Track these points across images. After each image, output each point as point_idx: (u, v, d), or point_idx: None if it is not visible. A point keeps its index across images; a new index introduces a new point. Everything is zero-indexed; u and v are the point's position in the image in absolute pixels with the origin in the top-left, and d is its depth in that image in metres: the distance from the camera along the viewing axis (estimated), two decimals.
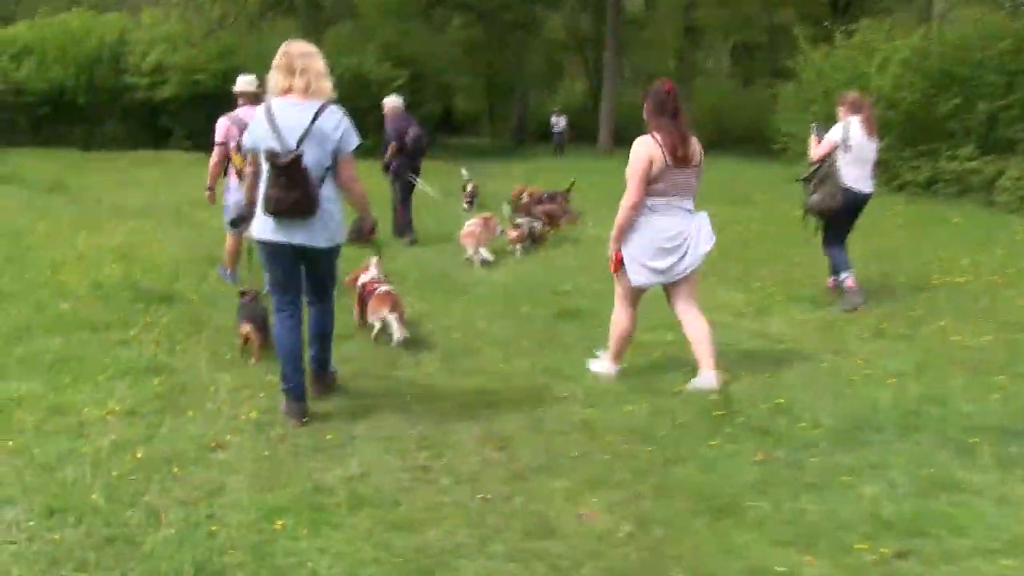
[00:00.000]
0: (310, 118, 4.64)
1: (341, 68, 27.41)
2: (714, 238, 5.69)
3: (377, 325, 6.65)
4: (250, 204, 4.98)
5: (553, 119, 34.48)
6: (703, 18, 36.72)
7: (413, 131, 11.67)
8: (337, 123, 4.75)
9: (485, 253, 10.45)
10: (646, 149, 5.38)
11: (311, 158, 4.63)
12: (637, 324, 6.01)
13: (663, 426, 5.13)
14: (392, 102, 11.69)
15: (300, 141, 4.60)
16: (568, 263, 10.63)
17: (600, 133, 33.96)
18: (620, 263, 5.69)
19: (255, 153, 4.83)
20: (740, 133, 35.42)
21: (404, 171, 11.86)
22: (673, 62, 40.60)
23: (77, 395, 5.28)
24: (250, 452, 4.57)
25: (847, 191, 8.08)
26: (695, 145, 5.55)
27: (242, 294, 6.33)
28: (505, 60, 44.30)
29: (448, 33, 39.18)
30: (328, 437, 4.81)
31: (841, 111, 8.42)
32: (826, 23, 25.72)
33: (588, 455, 4.72)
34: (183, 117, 26.96)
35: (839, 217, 8.26)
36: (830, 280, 8.78)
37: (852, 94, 8.79)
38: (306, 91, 4.69)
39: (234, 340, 6.28)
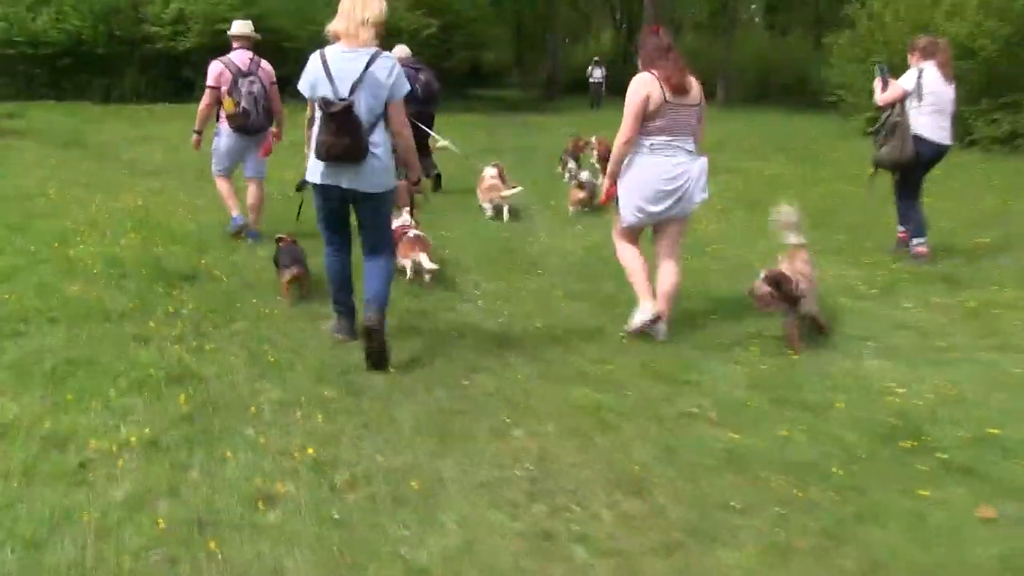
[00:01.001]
0: (363, 66, 4.72)
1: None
2: (708, 191, 5.56)
3: (408, 267, 6.70)
4: (309, 158, 5.05)
5: (591, 69, 32.82)
6: None
7: (424, 76, 10.89)
8: (389, 71, 4.79)
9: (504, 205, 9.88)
10: (643, 83, 5.29)
11: (363, 105, 4.74)
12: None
13: (835, 460, 3.96)
14: (400, 51, 10.88)
15: (353, 89, 4.70)
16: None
17: None
18: (610, 198, 5.66)
19: (311, 100, 4.85)
20: (782, 85, 33.81)
21: (413, 120, 10.97)
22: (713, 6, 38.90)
23: (81, 417, 4.10)
24: (312, 511, 3.38)
25: (921, 141, 7.55)
26: (693, 83, 5.42)
27: (279, 240, 6.38)
28: (534, 10, 42.71)
29: None
30: (412, 484, 3.63)
31: (912, 57, 7.82)
32: None
33: (752, 507, 3.54)
34: (206, 68, 25.49)
35: (911, 170, 7.74)
36: (901, 230, 8.16)
37: (924, 38, 8.02)
38: (348, 36, 4.77)
39: (277, 299, 6.12)
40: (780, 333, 5.58)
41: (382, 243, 5.13)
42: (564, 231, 9.40)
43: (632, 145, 5.41)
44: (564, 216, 10.27)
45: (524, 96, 42.71)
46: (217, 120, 7.91)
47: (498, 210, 9.86)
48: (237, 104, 7.58)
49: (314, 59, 4.83)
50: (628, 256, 5.76)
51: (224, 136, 7.82)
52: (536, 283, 7.13)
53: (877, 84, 7.96)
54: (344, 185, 4.86)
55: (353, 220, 5.20)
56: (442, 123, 12.01)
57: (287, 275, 6.09)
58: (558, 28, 43.00)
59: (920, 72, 7.67)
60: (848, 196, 11.54)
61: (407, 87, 4.89)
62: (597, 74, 32.55)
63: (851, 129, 21.39)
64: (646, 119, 5.31)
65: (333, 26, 4.81)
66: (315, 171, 4.90)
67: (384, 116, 4.86)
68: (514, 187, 9.99)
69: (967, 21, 17.74)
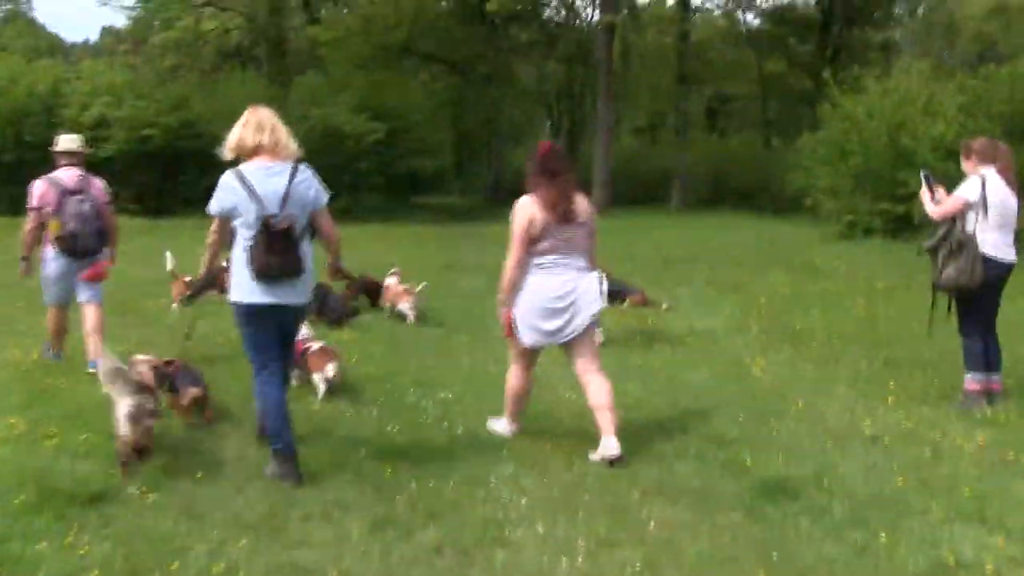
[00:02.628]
0: (286, 181, 4.77)
1: (312, 120, 24.57)
2: (602, 300, 5.61)
3: (321, 380, 6.51)
4: (210, 273, 5.23)
5: None
6: (696, 67, 34.34)
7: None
8: (310, 181, 4.92)
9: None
10: (524, 208, 5.38)
11: (295, 219, 4.78)
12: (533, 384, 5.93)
13: None
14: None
15: (282, 204, 4.72)
16: (696, 378, 7.63)
17: (594, 191, 31.09)
18: (509, 324, 5.60)
19: (223, 220, 4.84)
20: (736, 189, 32.84)
21: None
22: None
23: None
24: None
25: (988, 261, 6.43)
26: (581, 202, 5.51)
27: (168, 364, 5.88)
28: (477, 114, 41.70)
29: (422, 86, 36.40)
30: None
31: (968, 163, 6.73)
32: (827, 72, 23.26)
33: None
34: (130, 177, 23.50)
35: (981, 295, 6.55)
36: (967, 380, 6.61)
37: (980, 140, 6.91)
38: (275, 150, 4.80)
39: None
40: None
41: (291, 355, 5.38)
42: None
43: (521, 269, 5.43)
44: None
45: (468, 202, 41.36)
46: (41, 243, 7.16)
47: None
48: (63, 226, 6.90)
49: (231, 178, 4.76)
50: (515, 381, 5.80)
51: (51, 261, 7.11)
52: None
53: (924, 194, 6.81)
54: (283, 301, 4.83)
55: None
56: (393, 236, 10.48)
57: (188, 396, 5.69)
58: (503, 131, 41.97)
59: (983, 180, 6.44)
60: (869, 315, 10.12)
61: (327, 195, 5.00)
62: None
63: (829, 234, 20.25)
64: (532, 242, 5.35)
65: (248, 140, 4.81)
66: (251, 292, 4.78)
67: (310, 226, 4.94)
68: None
69: (949, 121, 16.76)
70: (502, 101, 40.48)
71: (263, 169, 4.76)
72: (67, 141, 7.36)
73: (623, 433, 5.51)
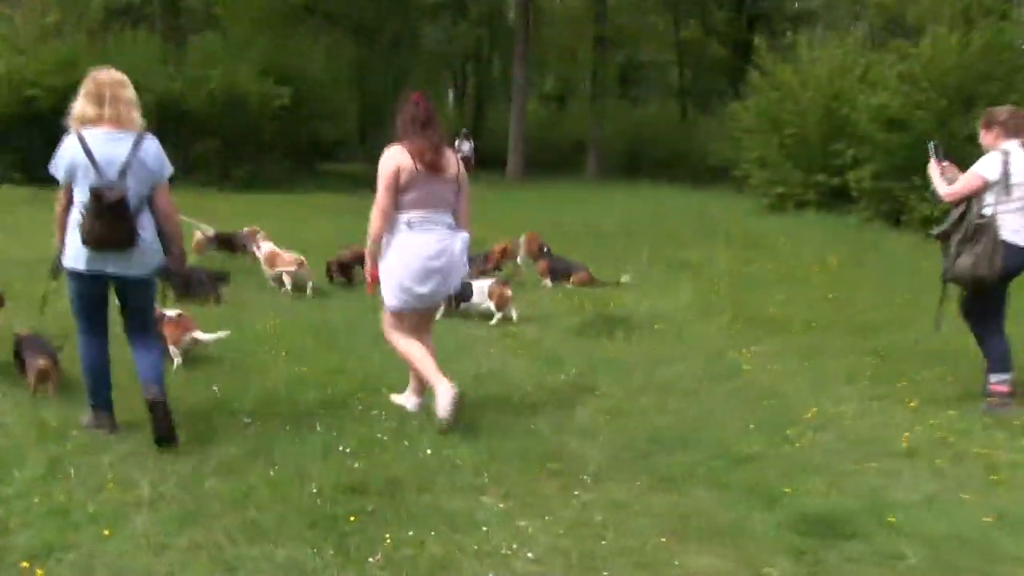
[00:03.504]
0: (128, 149, 4.64)
1: (212, 82, 22.94)
2: (467, 265, 5.60)
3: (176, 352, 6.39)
4: (62, 244, 4.82)
5: (458, 143, 29.55)
6: (612, 30, 33.45)
7: None
8: (156, 153, 4.77)
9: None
10: (393, 156, 5.23)
11: (132, 190, 4.65)
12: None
13: None
14: None
15: (121, 173, 4.61)
16: (678, 373, 6.74)
17: (509, 158, 30.16)
18: (375, 281, 5.43)
19: (68, 184, 4.71)
20: (654, 158, 32.26)
21: None
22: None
23: None
24: None
25: (1009, 248, 5.63)
26: (451, 156, 5.41)
27: (21, 336, 5.85)
28: (382, 79, 40.11)
29: (326, 50, 34.66)
30: None
31: (988, 135, 5.92)
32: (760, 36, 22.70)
33: None
34: (11, 141, 21.44)
35: (995, 286, 5.78)
36: (994, 381, 5.80)
37: (1005, 110, 5.96)
38: (118, 121, 4.65)
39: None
40: None
41: (149, 324, 5.13)
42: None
43: (387, 216, 5.25)
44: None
45: (374, 169, 39.85)
46: None
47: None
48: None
49: (72, 142, 4.67)
50: (405, 343, 5.48)
51: None
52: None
53: (934, 168, 6.01)
54: (110, 271, 4.73)
55: None
56: (302, 206, 9.70)
57: (35, 367, 5.51)
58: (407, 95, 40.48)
59: (1007, 156, 5.67)
60: (845, 298, 9.48)
61: (171, 168, 4.88)
62: (465, 148, 29.37)
63: (759, 207, 19.75)
64: (400, 192, 5.20)
65: (89, 111, 4.65)
66: (77, 257, 4.69)
67: (148, 200, 4.79)
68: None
69: (893, 92, 16.27)
70: (409, 66, 39.07)
71: (105, 135, 4.64)
72: None
73: (614, 441, 5.07)
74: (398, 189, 5.18)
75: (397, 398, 5.70)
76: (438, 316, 8.01)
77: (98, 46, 25.46)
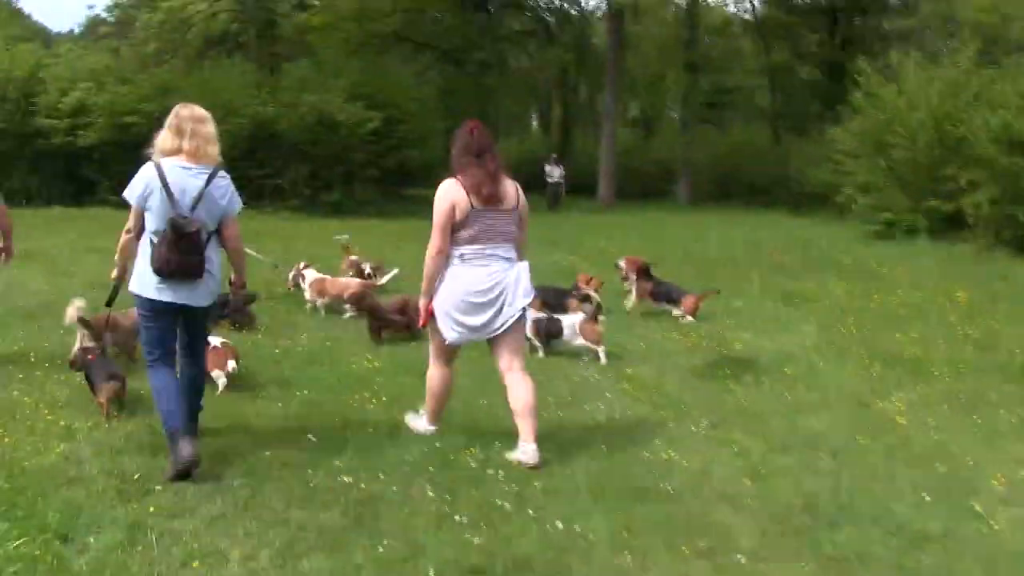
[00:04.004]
0: (203, 183, 4.74)
1: (305, 107, 22.91)
2: (533, 292, 5.29)
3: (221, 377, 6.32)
4: (124, 269, 4.98)
5: (548, 168, 28.94)
6: (701, 55, 32.69)
7: None
8: (226, 189, 4.90)
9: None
10: (448, 192, 5.00)
11: (202, 222, 4.74)
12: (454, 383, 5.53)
13: None
14: None
15: (194, 206, 4.71)
16: (821, 426, 6.02)
17: (600, 184, 29.55)
18: (431, 316, 5.25)
19: (139, 210, 4.76)
20: (747, 183, 31.28)
21: None
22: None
23: None
24: None
25: None
26: (509, 187, 5.13)
27: (84, 351, 5.93)
28: (470, 104, 39.98)
29: (415, 75, 34.63)
30: None
31: None
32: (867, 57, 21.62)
33: None
34: (111, 166, 21.59)
35: None
36: None
37: None
38: (196, 155, 4.77)
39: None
40: None
41: (202, 350, 5.25)
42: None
43: (443, 257, 5.11)
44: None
45: None
46: None
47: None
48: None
49: (150, 170, 4.73)
50: (435, 378, 5.44)
51: None
52: None
53: None
54: (181, 302, 4.78)
55: None
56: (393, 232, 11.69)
57: (107, 391, 5.54)
58: (496, 122, 40.21)
59: None
60: (993, 336, 8.57)
61: (240, 204, 5.00)
62: (556, 174, 28.57)
63: (863, 233, 18.70)
64: (455, 229, 5.02)
65: (168, 144, 4.77)
66: (148, 285, 4.74)
67: (217, 231, 4.89)
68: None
69: (1016, 111, 15.22)
70: (496, 91, 38.88)
71: (180, 168, 4.73)
72: None
73: (764, 510, 4.44)
74: (454, 227, 5.00)
75: (412, 418, 5.63)
76: (539, 354, 7.59)
77: (195, 74, 25.78)
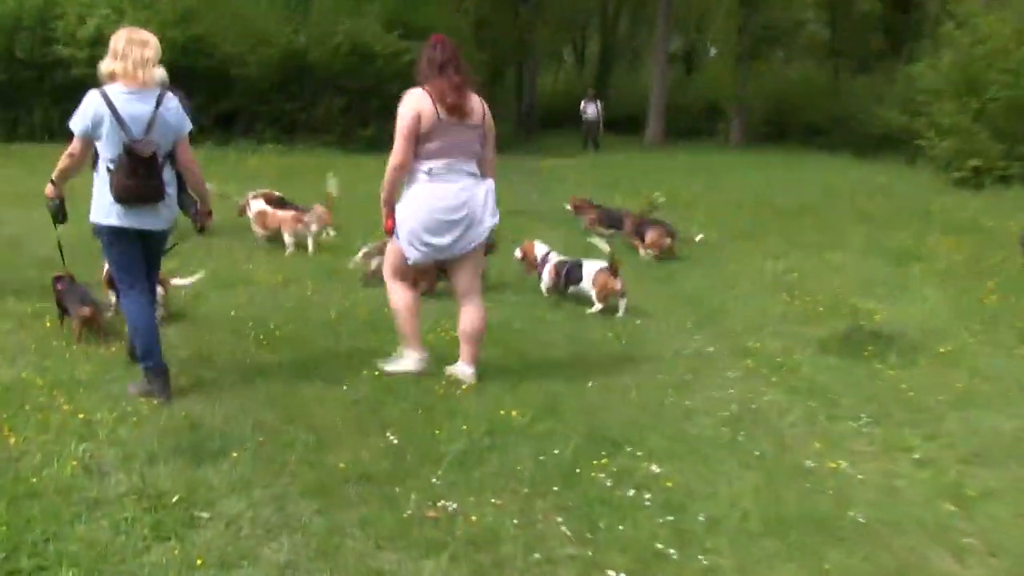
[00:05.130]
0: (152, 107, 4.65)
1: (339, 36, 21.62)
2: (497, 214, 5.07)
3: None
4: (60, 191, 4.91)
5: (583, 104, 27.10)
6: None
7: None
8: (176, 110, 4.79)
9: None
10: (413, 101, 4.82)
11: (159, 147, 4.66)
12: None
13: None
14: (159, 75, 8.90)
15: (147, 130, 4.61)
16: (1012, 427, 4.85)
17: (649, 123, 28.10)
18: (391, 231, 5.07)
19: (86, 139, 4.61)
20: (806, 123, 29.61)
21: None
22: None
23: None
24: None
25: None
26: (476, 102, 4.97)
27: (57, 279, 5.80)
28: (508, 36, 38.37)
29: (457, 5, 32.98)
30: None
31: None
32: None
33: None
34: None
35: None
36: None
37: None
38: (138, 78, 4.62)
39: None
40: None
41: (156, 277, 5.13)
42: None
43: (406, 170, 4.88)
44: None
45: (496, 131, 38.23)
46: None
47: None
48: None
49: (96, 98, 4.58)
50: (399, 296, 5.19)
51: None
52: None
53: None
54: (142, 226, 4.72)
55: None
56: None
57: (80, 316, 5.49)
58: (537, 56, 38.63)
59: None
60: None
61: (191, 124, 4.92)
62: (591, 111, 26.64)
63: (946, 180, 17.21)
64: (420, 142, 4.81)
65: (108, 66, 4.63)
66: (111, 213, 4.65)
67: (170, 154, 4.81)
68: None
69: None
70: (535, 22, 37.25)
71: (127, 93, 4.61)
72: None
73: (997, 558, 3.46)
74: (418, 138, 4.79)
75: (389, 366, 5.23)
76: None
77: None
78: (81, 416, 4.26)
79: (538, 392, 4.99)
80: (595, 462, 4.06)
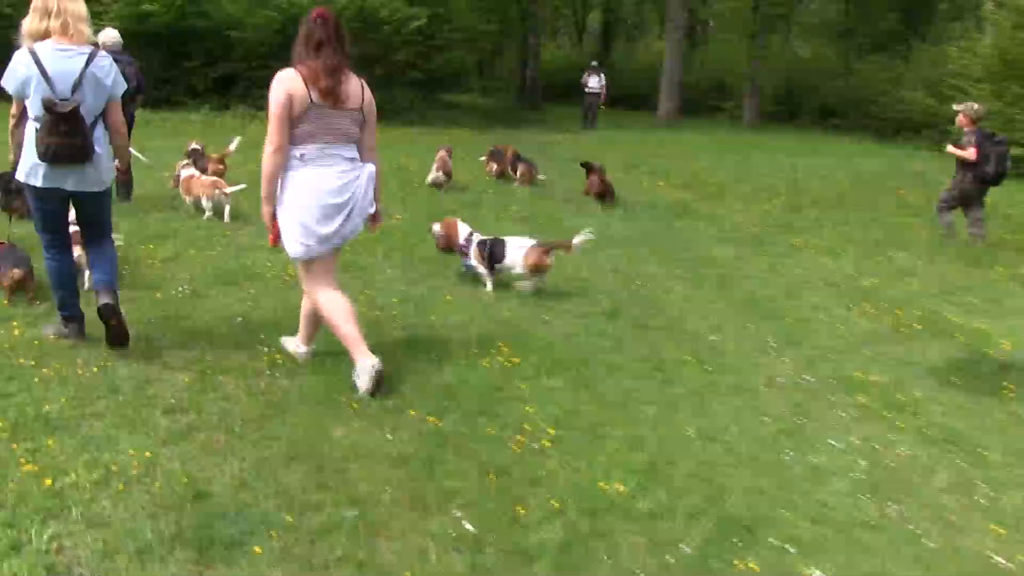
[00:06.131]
0: (82, 65, 4.56)
1: (343, 1, 20.43)
2: (375, 204, 4.73)
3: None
4: (18, 159, 4.74)
5: (585, 76, 25.34)
6: None
7: (131, 69, 8.87)
8: (108, 68, 4.71)
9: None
10: (284, 82, 4.39)
11: (86, 105, 4.59)
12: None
13: None
14: (108, 36, 8.96)
15: (74, 88, 4.53)
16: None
17: (662, 99, 26.93)
18: (278, 233, 4.59)
19: (20, 99, 4.60)
20: (819, 104, 28.53)
21: None
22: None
23: None
24: None
25: None
26: (354, 84, 4.56)
27: None
28: (509, 5, 37.06)
29: None
30: None
31: None
32: None
33: None
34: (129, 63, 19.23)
35: None
36: None
37: None
38: (67, 34, 4.56)
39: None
40: None
41: (106, 233, 4.99)
42: None
43: (283, 153, 4.46)
44: None
45: (496, 103, 37.07)
46: None
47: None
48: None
49: (24, 56, 4.52)
50: (329, 301, 4.60)
51: None
52: None
53: None
54: (69, 187, 4.66)
55: None
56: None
57: (9, 278, 5.51)
58: (539, 26, 37.29)
59: None
60: None
61: (124, 85, 4.87)
62: (592, 82, 24.88)
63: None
64: (292, 125, 4.41)
65: (35, 25, 4.55)
66: (35, 173, 4.61)
67: (102, 114, 4.74)
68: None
69: None
70: None
71: (57, 50, 4.51)
72: None
73: None
74: (291, 121, 4.42)
75: (288, 342, 4.94)
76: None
77: None
78: (48, 482, 3.22)
79: (634, 448, 3.98)
80: (734, 560, 3.07)
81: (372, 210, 4.74)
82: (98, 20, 19.95)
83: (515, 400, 4.38)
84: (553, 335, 5.57)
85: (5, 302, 5.40)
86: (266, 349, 4.92)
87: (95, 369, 4.43)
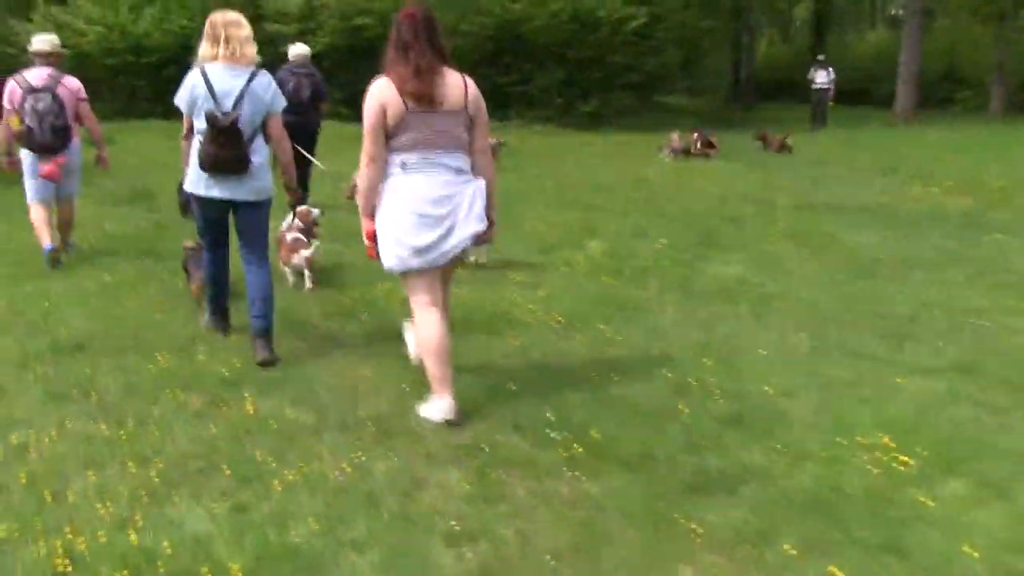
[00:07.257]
0: (244, 83, 4.92)
1: (559, 2, 19.80)
2: (485, 220, 4.29)
3: (290, 273, 6.56)
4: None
5: (812, 72, 23.92)
6: None
7: (292, 84, 9.38)
8: (268, 85, 5.04)
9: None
10: (377, 91, 4.22)
11: (245, 119, 4.91)
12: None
13: None
14: (297, 50, 9.64)
15: (236, 104, 4.89)
16: None
17: (899, 93, 24.78)
18: (374, 240, 4.35)
19: (189, 115, 4.99)
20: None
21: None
22: None
23: None
24: None
25: None
26: (453, 84, 4.25)
27: (187, 247, 6.22)
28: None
29: None
30: None
31: None
32: None
33: None
34: (340, 76, 19.08)
35: None
36: None
37: None
38: (234, 57, 4.93)
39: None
40: None
41: (260, 247, 5.22)
42: None
43: (380, 162, 4.25)
44: None
45: (705, 104, 35.54)
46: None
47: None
48: (22, 122, 7.10)
49: (195, 76, 4.93)
50: (423, 325, 4.28)
51: (24, 157, 7.29)
52: None
53: None
54: (226, 196, 5.00)
55: None
56: None
57: (198, 279, 5.79)
58: (754, 19, 35.52)
59: None
60: None
61: (284, 102, 5.16)
62: (820, 77, 23.45)
63: None
64: (392, 135, 4.22)
65: (208, 51, 4.92)
66: (198, 183, 5.02)
67: (263, 129, 5.04)
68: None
69: None
70: None
71: (223, 69, 4.91)
72: (39, 42, 7.39)
73: None
74: (387, 132, 4.18)
75: (423, 409, 4.25)
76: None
77: None
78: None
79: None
80: None
81: (481, 227, 4.31)
82: (313, 35, 20.35)
83: (918, 521, 3.23)
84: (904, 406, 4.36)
85: (194, 299, 5.83)
86: (553, 434, 3.98)
87: (347, 468, 3.60)
